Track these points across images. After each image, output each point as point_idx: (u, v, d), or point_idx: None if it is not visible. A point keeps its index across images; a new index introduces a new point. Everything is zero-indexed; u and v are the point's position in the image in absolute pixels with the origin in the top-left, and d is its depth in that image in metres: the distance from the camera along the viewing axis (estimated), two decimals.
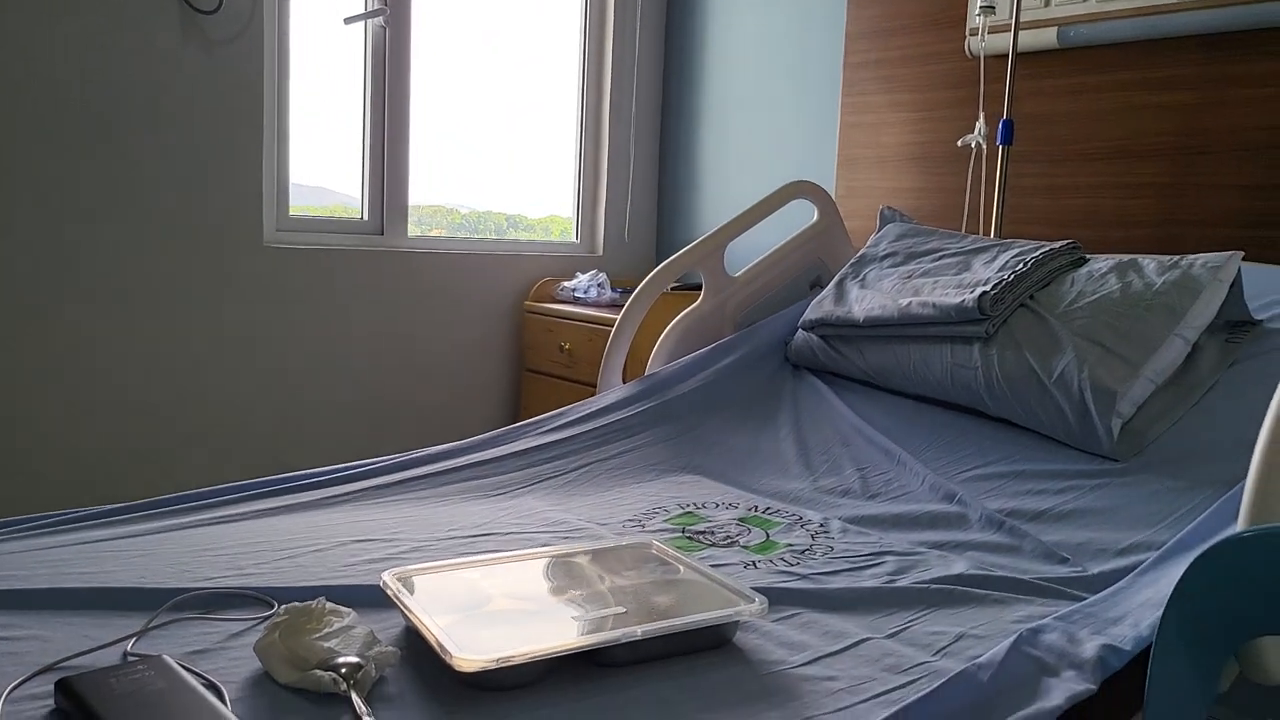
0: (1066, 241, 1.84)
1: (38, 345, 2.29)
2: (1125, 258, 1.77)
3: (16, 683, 0.89)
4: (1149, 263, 1.72)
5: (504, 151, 3.19)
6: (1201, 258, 1.69)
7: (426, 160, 2.96)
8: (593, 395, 2.02)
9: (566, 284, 3.08)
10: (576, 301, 3.02)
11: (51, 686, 0.88)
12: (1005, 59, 2.25)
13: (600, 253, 3.36)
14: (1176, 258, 1.71)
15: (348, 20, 2.75)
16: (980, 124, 2.32)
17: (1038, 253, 1.80)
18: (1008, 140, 2.24)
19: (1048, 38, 2.24)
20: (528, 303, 3.07)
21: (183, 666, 0.91)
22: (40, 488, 2.31)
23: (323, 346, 2.71)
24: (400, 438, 2.82)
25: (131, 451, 2.44)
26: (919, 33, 2.56)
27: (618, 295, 2.97)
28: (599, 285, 3.02)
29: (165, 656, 0.92)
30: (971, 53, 2.41)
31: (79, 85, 2.26)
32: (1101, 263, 1.77)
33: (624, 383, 2.06)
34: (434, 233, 3.02)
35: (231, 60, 2.47)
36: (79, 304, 2.33)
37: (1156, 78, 2.15)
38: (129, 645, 0.99)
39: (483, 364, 3.07)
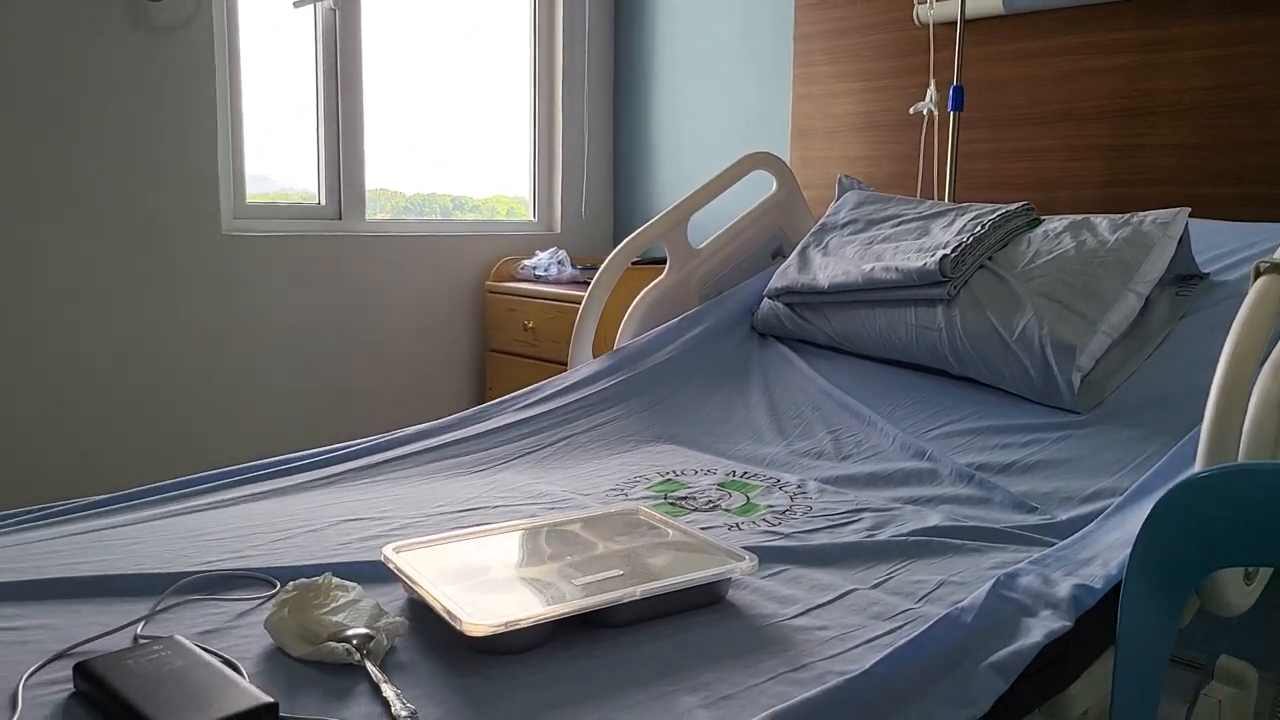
0: (1021, 203, 1.90)
1: None
2: (1079, 217, 1.83)
3: (33, 669, 0.91)
4: (1101, 221, 1.79)
5: (451, 132, 3.18)
6: (1151, 215, 1.75)
7: (371, 143, 2.93)
8: (560, 372, 2.04)
9: (527, 262, 3.09)
10: (538, 280, 3.03)
11: (66, 672, 0.90)
12: (953, 26, 2.30)
13: (558, 231, 3.38)
14: (1127, 216, 1.78)
15: (297, 4, 2.72)
16: (931, 91, 2.37)
17: (994, 215, 1.85)
18: (958, 107, 2.30)
19: (994, 4, 2.29)
20: (489, 283, 3.07)
21: (197, 645, 0.92)
22: (3, 483, 2.28)
23: (285, 333, 2.70)
24: (367, 422, 2.82)
25: (94, 443, 2.41)
26: (866, 2, 2.60)
27: (578, 272, 2.99)
28: (559, 263, 3.04)
29: (178, 636, 0.94)
30: (920, 21, 2.45)
31: (27, 77, 2.22)
32: (1056, 223, 1.83)
33: (593, 357, 2.09)
34: (379, 216, 3.00)
35: (181, 47, 2.43)
36: (36, 297, 2.30)
37: (1099, 41, 2.21)
38: (139, 628, 1.00)
39: (446, 346, 3.07)
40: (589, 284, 2.16)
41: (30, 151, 2.25)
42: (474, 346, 3.14)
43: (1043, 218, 1.89)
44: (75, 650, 0.95)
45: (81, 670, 0.87)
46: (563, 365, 2.38)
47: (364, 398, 2.88)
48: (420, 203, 3.14)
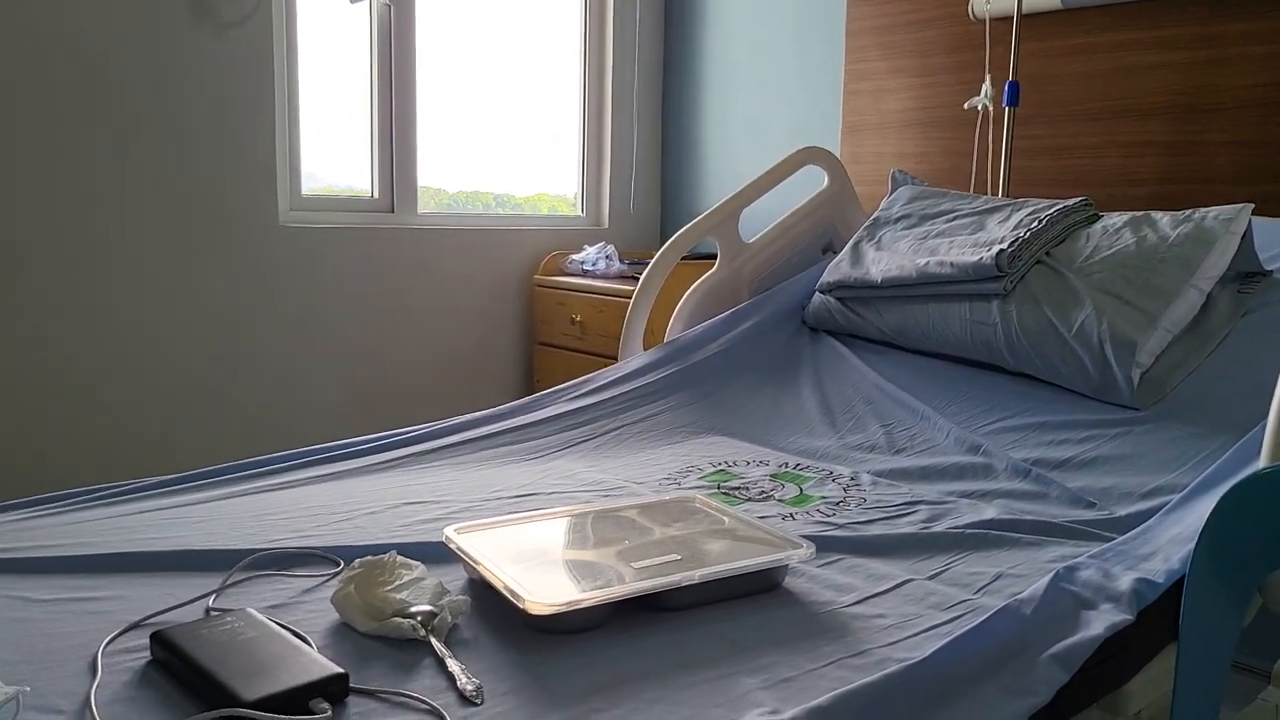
0: (1080, 199, 1.88)
1: (55, 327, 2.31)
2: (1139, 213, 1.81)
3: (110, 637, 0.93)
4: (1162, 217, 1.77)
5: (497, 129, 3.20)
6: (1213, 211, 1.73)
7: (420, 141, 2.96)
8: (606, 365, 2.05)
9: (575, 257, 3.11)
10: (585, 274, 3.05)
11: (142, 641, 0.93)
12: (1008, 21, 2.28)
13: (606, 225, 3.39)
14: (1189, 211, 1.76)
15: (354, 0, 2.76)
16: (987, 86, 2.36)
17: (1052, 210, 1.84)
18: (1014, 102, 2.28)
19: None
20: (537, 276, 3.10)
21: (268, 618, 0.95)
22: (63, 465, 2.34)
23: (336, 323, 2.74)
24: (415, 412, 2.85)
25: (147, 428, 2.47)
26: None
27: (625, 267, 3.00)
28: (607, 257, 3.05)
29: (249, 609, 0.96)
30: (976, 15, 2.43)
31: (93, 69, 2.28)
32: (1115, 218, 1.81)
33: (644, 350, 2.10)
34: (427, 211, 3.03)
35: (242, 42, 2.48)
36: (97, 286, 2.35)
37: (1158, 37, 2.19)
38: (210, 601, 1.03)
39: (494, 338, 3.10)
40: (636, 279, 2.17)
41: (94, 141, 2.31)
42: (521, 339, 3.16)
43: (1101, 214, 1.87)
44: (150, 620, 0.98)
45: (159, 639, 0.89)
46: (609, 359, 2.40)
47: (412, 388, 2.92)
48: (463, 200, 3.17)
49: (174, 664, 0.87)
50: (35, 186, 2.25)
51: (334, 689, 0.84)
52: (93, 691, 0.83)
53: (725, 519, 1.25)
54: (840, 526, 1.32)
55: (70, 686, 0.85)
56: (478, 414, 1.76)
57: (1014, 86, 2.26)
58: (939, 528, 1.31)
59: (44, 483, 2.28)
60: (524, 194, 3.31)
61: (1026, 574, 1.17)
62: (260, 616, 0.94)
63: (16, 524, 1.22)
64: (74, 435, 2.36)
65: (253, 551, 1.14)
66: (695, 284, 2.22)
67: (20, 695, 0.80)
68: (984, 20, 2.41)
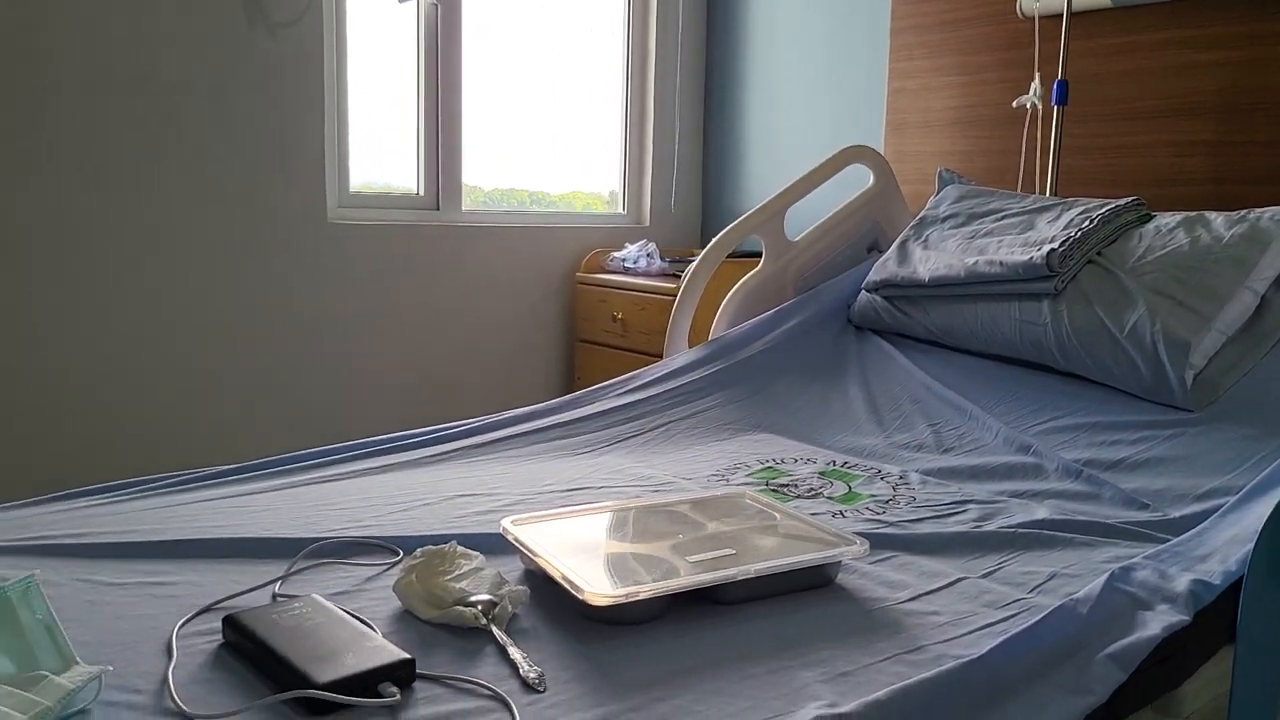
0: (1131, 198, 1.86)
1: (104, 320, 2.36)
2: (1192, 213, 1.79)
3: (183, 621, 0.96)
4: (1216, 217, 1.75)
5: (536, 127, 3.22)
6: (1269, 211, 1.71)
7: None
8: (647, 363, 2.07)
9: (616, 254, 3.12)
10: (627, 271, 3.06)
11: (212, 624, 0.95)
12: (1057, 19, 2.26)
13: (647, 223, 3.40)
14: (1244, 211, 1.74)
15: (401, 0, 2.79)
16: (1036, 84, 2.34)
17: (1103, 210, 1.82)
18: (1062, 100, 2.26)
19: None
20: (579, 274, 3.11)
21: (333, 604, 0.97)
22: (110, 455, 2.39)
23: (382, 320, 2.78)
24: (457, 407, 2.88)
25: (194, 420, 2.51)
26: None
27: (667, 265, 3.01)
28: (648, 255, 3.07)
29: (316, 595, 0.98)
30: (1024, 13, 2.42)
31: (149, 69, 2.33)
32: (1168, 218, 1.80)
33: (688, 347, 2.11)
34: (471, 208, 3.05)
35: (293, 42, 2.52)
36: (148, 279, 2.40)
37: (1208, 35, 2.16)
38: (276, 587, 1.05)
39: (536, 335, 3.12)
40: (677, 276, 2.18)
41: (147, 139, 2.35)
42: (563, 336, 3.18)
43: (1154, 213, 1.86)
44: (220, 605, 1.00)
45: (231, 623, 0.92)
46: (650, 356, 2.41)
47: (454, 384, 2.95)
48: (499, 198, 3.19)
49: (246, 647, 0.89)
50: (90, 182, 2.30)
51: (401, 674, 0.86)
52: (170, 672, 0.86)
53: (776, 515, 1.26)
54: (891, 524, 1.33)
55: (147, 667, 0.87)
56: (526, 409, 1.78)
57: (1063, 85, 2.25)
58: (990, 527, 1.31)
59: (105, 471, 2.33)
60: (559, 192, 3.32)
61: (1081, 574, 1.17)
62: (327, 603, 0.96)
63: (82, 511, 1.26)
64: (130, 427, 2.41)
65: (314, 540, 1.16)
66: (740, 282, 2.23)
67: (103, 675, 0.83)
68: (1032, 18, 2.40)
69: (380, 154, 2.87)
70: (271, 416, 2.62)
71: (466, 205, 3.04)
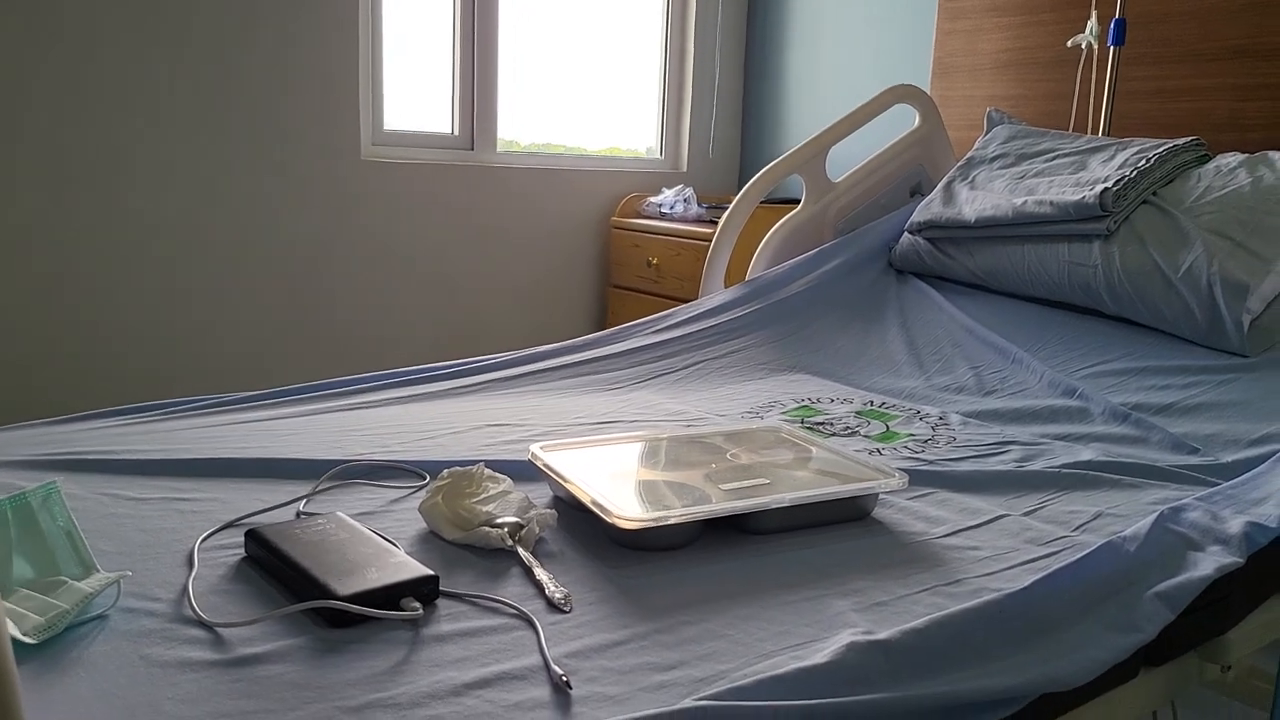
0: (1190, 138, 1.79)
1: (140, 250, 2.36)
2: (1256, 154, 1.72)
3: (206, 534, 0.95)
4: None
5: (574, 79, 3.15)
6: None
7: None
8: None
9: (653, 199, 3.08)
10: (663, 217, 3.01)
11: (236, 539, 0.94)
12: None
13: (684, 169, 3.35)
14: None
15: None
16: (1092, 23, 2.25)
17: (1161, 149, 1.75)
18: (1119, 41, 2.17)
19: None
20: (614, 219, 3.07)
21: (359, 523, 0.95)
22: (154, 383, 2.40)
23: (416, 257, 2.76)
24: (490, 347, 2.87)
25: (233, 349, 2.52)
26: None
27: (704, 211, 2.96)
28: (685, 200, 3.01)
29: (340, 512, 0.97)
30: None
31: (185, 3, 2.30)
32: (1229, 158, 1.72)
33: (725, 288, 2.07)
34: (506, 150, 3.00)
35: None
36: (183, 210, 2.39)
37: None
38: (302, 504, 1.04)
39: (569, 278, 3.09)
40: (714, 222, 2.13)
41: (181, 74, 2.33)
42: (596, 281, 3.15)
43: (1213, 154, 1.78)
44: (243, 520, 0.99)
45: (253, 536, 0.90)
46: (684, 302, 2.36)
47: (485, 325, 2.93)
48: (537, 153, 3.14)
49: (268, 560, 0.88)
50: (124, 115, 2.28)
51: (425, 590, 0.84)
52: (190, 582, 0.85)
53: (812, 449, 1.23)
54: (930, 462, 1.29)
55: (168, 577, 0.86)
56: (556, 345, 1.75)
57: (1120, 24, 2.16)
58: (1033, 466, 1.27)
59: (134, 394, 2.34)
60: (596, 148, 3.26)
61: (1127, 514, 1.13)
62: (351, 520, 0.95)
63: (113, 429, 1.25)
64: (163, 356, 2.42)
65: (341, 463, 1.14)
66: (779, 223, 2.18)
67: (121, 580, 0.82)
68: None
69: (416, 99, 2.83)
70: (303, 350, 2.62)
71: (501, 148, 3.00)
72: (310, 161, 2.54)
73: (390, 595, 0.81)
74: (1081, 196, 1.69)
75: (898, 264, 2.08)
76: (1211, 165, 1.72)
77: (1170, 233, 1.61)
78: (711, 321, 1.88)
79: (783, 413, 1.52)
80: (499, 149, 2.95)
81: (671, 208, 3.02)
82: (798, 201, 2.22)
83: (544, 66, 3.07)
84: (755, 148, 3.39)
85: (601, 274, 3.15)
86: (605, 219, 3.11)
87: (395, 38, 2.72)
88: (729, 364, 1.78)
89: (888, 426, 1.46)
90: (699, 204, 2.99)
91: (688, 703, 0.69)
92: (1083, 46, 2.28)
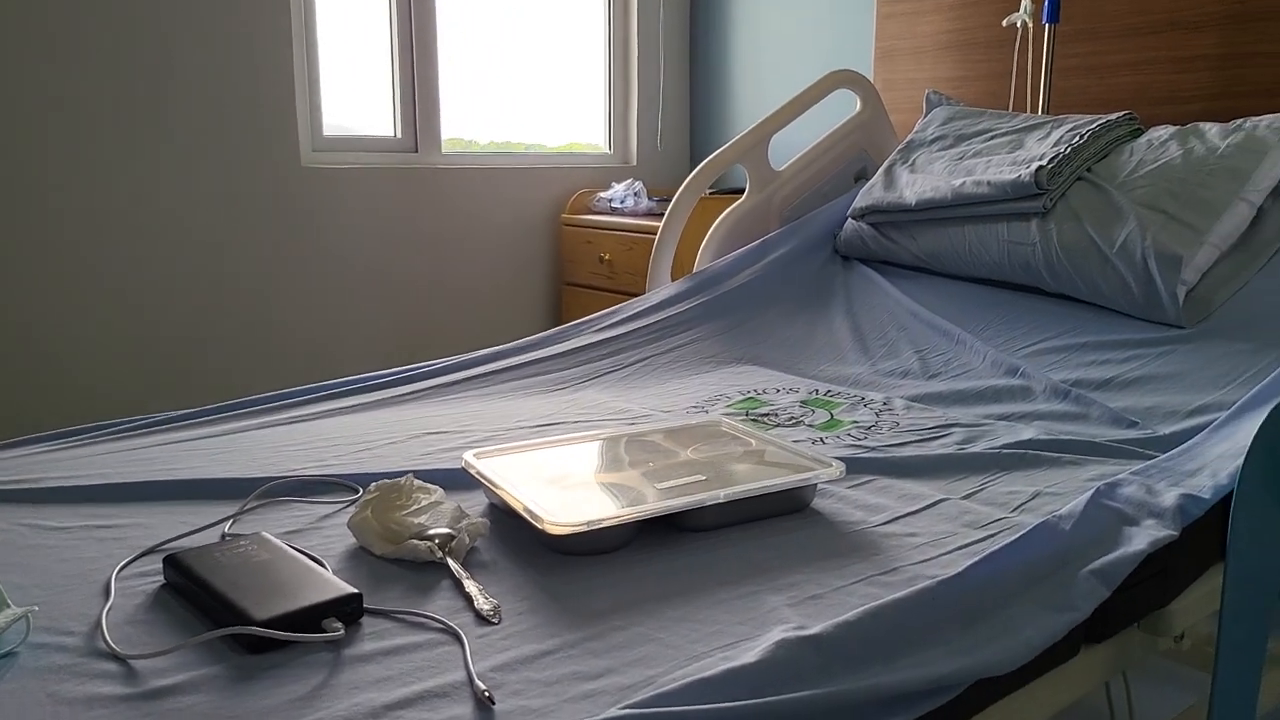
0: (1123, 113, 1.80)
1: (74, 265, 2.31)
2: (1186, 126, 1.73)
3: (125, 561, 0.92)
4: (1211, 128, 1.68)
5: (523, 74, 3.12)
6: (1266, 119, 1.64)
7: (444, 89, 2.89)
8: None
9: (603, 195, 3.06)
10: (614, 212, 3.00)
11: (157, 565, 0.91)
12: None
13: (634, 162, 3.33)
14: (1239, 121, 1.67)
15: None
16: (1026, 2, 2.25)
17: (1094, 125, 1.76)
18: (1054, 19, 2.18)
19: None
20: (564, 215, 3.05)
21: (283, 542, 0.93)
22: (91, 400, 2.35)
23: (361, 265, 2.72)
24: (441, 352, 2.81)
25: (169, 366, 2.47)
26: None
27: (654, 204, 2.94)
28: (635, 194, 3.00)
29: (264, 533, 0.94)
30: None
31: (115, 11, 2.25)
32: (1161, 131, 1.73)
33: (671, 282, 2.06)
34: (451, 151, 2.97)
35: None
36: (118, 226, 2.35)
37: None
38: (227, 527, 1.01)
39: (522, 278, 3.07)
40: (665, 215, 2.12)
41: (115, 83, 2.28)
42: (549, 279, 3.13)
43: (1145, 128, 1.79)
44: (165, 546, 0.96)
45: (171, 562, 0.88)
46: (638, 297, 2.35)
47: (437, 330, 2.90)
48: (481, 153, 3.11)
49: (186, 587, 0.86)
50: (56, 128, 2.23)
51: (348, 609, 0.82)
52: (104, 614, 0.82)
53: (753, 442, 1.22)
54: (872, 449, 1.28)
55: (82, 609, 0.84)
56: (501, 347, 1.74)
57: (1054, 1, 2.16)
58: (974, 449, 1.27)
59: (74, 422, 2.29)
60: (555, 144, 3.24)
61: (1065, 492, 1.13)
62: (275, 540, 0.92)
63: (32, 457, 1.22)
64: (100, 375, 2.37)
65: (270, 480, 1.12)
66: (724, 213, 2.17)
67: (29, 615, 0.79)
68: None
69: (356, 102, 2.79)
70: (248, 363, 2.58)
71: (453, 148, 2.97)
72: (249, 171, 2.49)
73: (311, 616, 0.79)
74: (1017, 175, 1.69)
75: (843, 250, 2.07)
76: (1144, 139, 1.73)
77: (1105, 208, 1.62)
78: (658, 316, 1.87)
79: (728, 405, 1.51)
80: (445, 150, 2.92)
81: (622, 202, 3.00)
82: (744, 191, 2.22)
83: (494, 64, 3.05)
84: (704, 138, 3.38)
85: (554, 272, 3.13)
86: (556, 216, 3.09)
87: (331, 40, 2.68)
88: (676, 358, 1.77)
89: (832, 415, 1.45)
90: (649, 197, 2.98)
91: (612, 712, 0.68)
92: (1018, 25, 2.29)
